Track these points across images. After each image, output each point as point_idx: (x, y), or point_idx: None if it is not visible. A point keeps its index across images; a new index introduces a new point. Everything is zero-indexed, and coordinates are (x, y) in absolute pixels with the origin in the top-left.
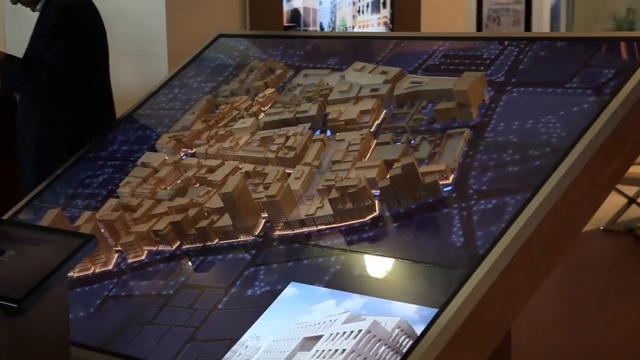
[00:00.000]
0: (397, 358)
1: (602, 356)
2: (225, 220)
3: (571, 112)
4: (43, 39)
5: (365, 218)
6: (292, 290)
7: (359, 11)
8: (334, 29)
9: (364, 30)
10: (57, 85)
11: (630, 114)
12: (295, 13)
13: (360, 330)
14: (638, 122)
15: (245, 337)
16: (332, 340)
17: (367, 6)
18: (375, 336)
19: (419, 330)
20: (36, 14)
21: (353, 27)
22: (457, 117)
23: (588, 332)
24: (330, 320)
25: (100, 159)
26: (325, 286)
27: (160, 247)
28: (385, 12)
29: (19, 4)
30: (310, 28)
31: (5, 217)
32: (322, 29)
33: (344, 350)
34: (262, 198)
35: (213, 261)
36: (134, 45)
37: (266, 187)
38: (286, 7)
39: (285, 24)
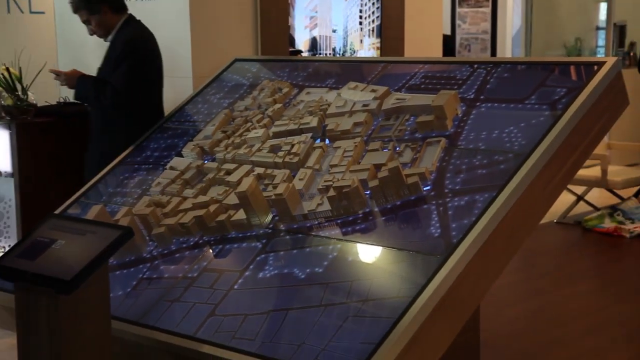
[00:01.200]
0: (384, 331)
1: (558, 327)
2: (240, 215)
3: (530, 124)
4: (111, 64)
5: (358, 213)
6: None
7: (364, 37)
8: (344, 53)
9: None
10: (117, 101)
11: (579, 126)
12: (314, 40)
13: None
14: (585, 133)
15: (255, 312)
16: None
17: (372, 30)
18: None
19: (403, 306)
20: (80, 41)
21: (359, 51)
22: (435, 128)
23: (545, 307)
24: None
25: (136, 163)
26: (324, 271)
27: (186, 237)
28: (374, 39)
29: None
30: (325, 52)
31: (57, 212)
32: (335, 53)
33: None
34: (271, 196)
35: (230, 249)
36: (166, 68)
37: (274, 187)
38: (308, 36)
39: (290, 49)
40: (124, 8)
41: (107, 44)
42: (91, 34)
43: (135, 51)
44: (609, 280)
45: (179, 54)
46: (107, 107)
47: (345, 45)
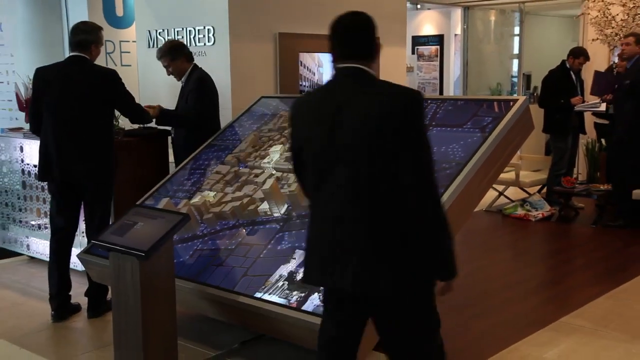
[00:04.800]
0: None
1: (485, 283)
2: (265, 205)
3: (467, 142)
4: (185, 97)
5: None
6: None
7: None
8: None
9: None
10: (190, 124)
11: (500, 143)
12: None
13: None
14: (504, 148)
15: (275, 274)
16: None
17: None
18: None
19: None
20: (155, 86)
21: None
22: None
23: (476, 270)
24: None
25: (193, 168)
26: None
27: (226, 221)
28: None
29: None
30: None
31: (138, 203)
32: None
33: None
34: (286, 192)
35: (257, 229)
36: None
37: (289, 186)
38: (320, 76)
39: (299, 86)
40: (193, 58)
41: (178, 85)
42: (168, 74)
43: (202, 88)
44: (520, 251)
45: (223, 93)
46: (184, 128)
47: None
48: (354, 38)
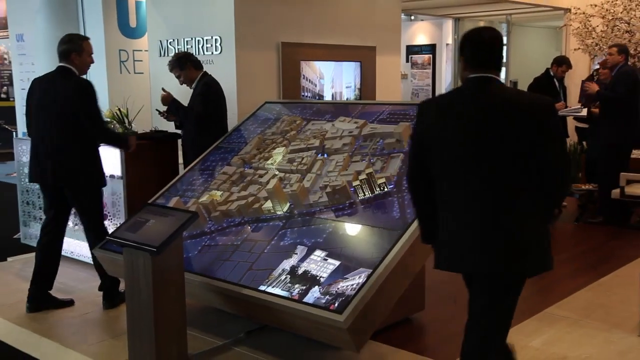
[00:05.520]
0: (364, 280)
1: None
2: (268, 204)
3: None
4: (194, 100)
5: (345, 203)
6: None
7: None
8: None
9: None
10: (199, 123)
11: None
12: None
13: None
14: None
15: (278, 268)
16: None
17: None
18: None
19: (376, 262)
20: (166, 82)
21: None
22: (396, 147)
23: None
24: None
25: (201, 169)
26: (323, 240)
27: (233, 219)
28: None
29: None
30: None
31: (149, 201)
32: (334, 96)
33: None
34: (288, 191)
35: (261, 226)
36: None
37: (291, 185)
38: (321, 87)
39: (300, 95)
40: (201, 66)
41: (187, 91)
42: (181, 84)
43: (208, 90)
44: None
45: (229, 98)
46: (193, 126)
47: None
48: (489, 51)
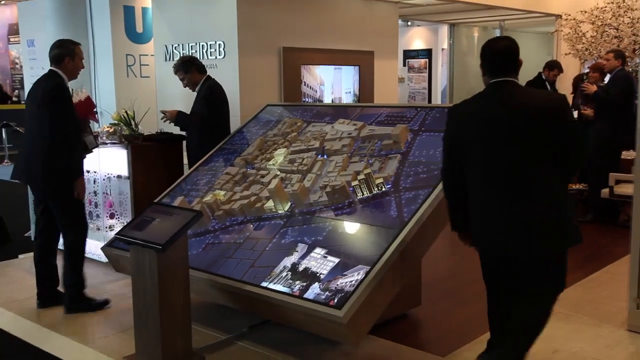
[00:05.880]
0: (363, 277)
1: (470, 273)
2: (270, 203)
3: None
4: (198, 103)
5: (344, 202)
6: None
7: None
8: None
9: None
10: (203, 125)
11: None
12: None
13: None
14: None
15: (280, 265)
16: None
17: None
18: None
19: (374, 259)
20: (171, 95)
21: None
22: (393, 148)
23: (461, 261)
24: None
25: (205, 169)
26: (323, 238)
27: (236, 217)
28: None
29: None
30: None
31: (155, 201)
32: (333, 101)
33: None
34: (289, 191)
35: (263, 225)
36: None
37: (292, 185)
38: (322, 93)
39: (301, 98)
40: (205, 70)
41: (192, 95)
42: (184, 87)
43: (211, 94)
44: None
45: (232, 101)
46: (197, 129)
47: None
48: (505, 58)
